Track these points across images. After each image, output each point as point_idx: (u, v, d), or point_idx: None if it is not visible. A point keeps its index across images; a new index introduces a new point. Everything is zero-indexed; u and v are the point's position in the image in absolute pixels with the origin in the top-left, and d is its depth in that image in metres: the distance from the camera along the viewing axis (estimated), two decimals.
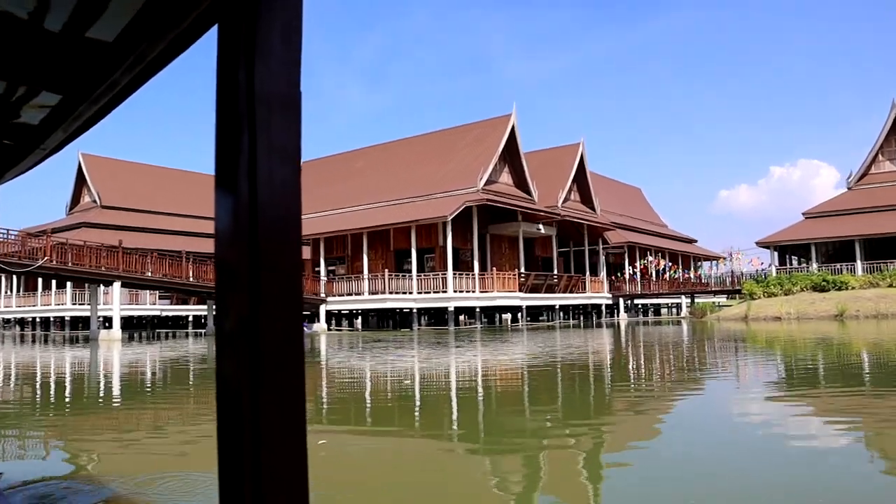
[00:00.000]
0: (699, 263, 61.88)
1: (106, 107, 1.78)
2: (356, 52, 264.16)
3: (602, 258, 47.51)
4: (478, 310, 34.01)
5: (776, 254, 43.96)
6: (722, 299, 52.20)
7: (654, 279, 48.95)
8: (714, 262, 57.03)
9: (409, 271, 35.30)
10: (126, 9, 1.32)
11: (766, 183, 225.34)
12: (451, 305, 32.76)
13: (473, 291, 33.88)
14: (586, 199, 46.71)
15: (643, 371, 11.69)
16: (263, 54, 0.87)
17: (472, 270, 35.08)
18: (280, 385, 0.86)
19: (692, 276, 50.78)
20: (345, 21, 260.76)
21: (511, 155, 38.91)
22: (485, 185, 35.93)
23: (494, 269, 35.51)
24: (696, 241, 68.69)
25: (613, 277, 48.24)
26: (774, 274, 41.77)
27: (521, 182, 39.78)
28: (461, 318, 36.02)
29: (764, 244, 44.22)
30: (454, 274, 33.44)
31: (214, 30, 0.99)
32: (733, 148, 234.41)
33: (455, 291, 33.11)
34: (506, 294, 34.61)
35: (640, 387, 9.55)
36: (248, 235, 0.85)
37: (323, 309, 34.84)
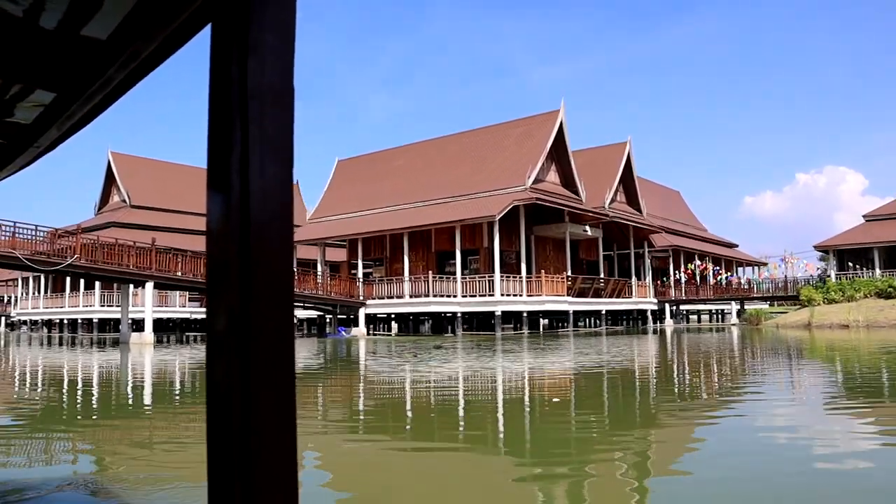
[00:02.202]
0: (739, 268, 59.57)
1: (100, 105, 1.74)
2: (379, 59, 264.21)
3: (647, 262, 45.48)
4: (525, 314, 32.15)
5: (835, 258, 41.59)
6: (764, 306, 49.90)
7: (702, 284, 46.78)
8: (763, 267, 54.87)
9: (451, 274, 33.60)
10: (120, 7, 1.30)
11: (792, 189, 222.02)
12: (499, 309, 30.95)
13: (520, 295, 32.03)
14: (632, 201, 44.70)
15: (738, 392, 9.83)
16: (256, 49, 0.87)
17: (518, 273, 33.26)
18: (271, 385, 0.85)
19: (742, 281, 48.42)
20: (367, 28, 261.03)
21: (558, 153, 37.00)
22: (531, 184, 34.09)
23: (543, 271, 33.62)
24: (736, 246, 66.39)
25: (658, 282, 46.16)
26: (834, 279, 39.48)
27: (568, 181, 37.88)
28: (480, 322, 34.19)
29: (823, 248, 41.97)
30: (501, 276, 31.62)
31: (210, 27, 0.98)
32: (759, 155, 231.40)
33: (502, 295, 31.29)
34: (554, 298, 32.72)
35: (748, 416, 7.71)
36: (239, 231, 0.85)
37: (362, 312, 33.20)
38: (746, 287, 46.55)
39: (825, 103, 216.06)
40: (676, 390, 9.62)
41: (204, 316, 38.37)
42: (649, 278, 44.99)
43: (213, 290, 0.89)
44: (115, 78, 1.54)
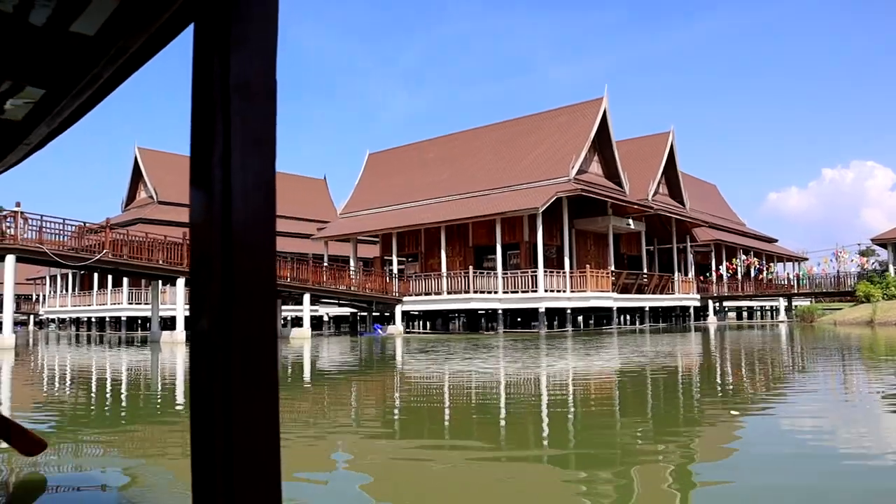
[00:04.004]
0: (779, 264, 57.44)
1: (89, 101, 1.74)
2: (400, 57, 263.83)
3: (690, 257, 43.70)
4: (569, 311, 30.61)
5: (893, 252, 39.51)
6: (807, 302, 47.80)
7: (748, 280, 44.89)
8: (804, 263, 52.83)
9: (490, 269, 32.21)
10: (107, 3, 1.30)
11: (818, 185, 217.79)
12: (542, 306, 29.45)
13: (564, 291, 30.51)
14: (675, 193, 42.96)
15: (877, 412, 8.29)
16: (238, 44, 0.87)
17: (560, 268, 31.75)
18: (253, 384, 0.85)
19: (791, 276, 46.38)
20: (389, 27, 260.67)
21: (601, 143, 35.36)
22: (575, 175, 32.51)
23: (588, 266, 32.06)
24: (776, 241, 64.29)
25: (701, 278, 44.35)
26: (893, 274, 37.47)
27: (611, 173, 36.25)
28: (516, 320, 32.82)
29: (880, 241, 39.95)
30: (545, 272, 30.12)
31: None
32: (784, 150, 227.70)
33: (546, 291, 29.79)
34: (598, 294, 31.15)
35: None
36: (221, 224, 0.84)
37: (399, 309, 31.90)
38: (794, 282, 44.48)
39: (851, 96, 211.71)
40: (793, 404, 8.15)
41: None
42: (692, 274, 43.23)
43: (196, 286, 0.87)
44: (103, 74, 1.52)
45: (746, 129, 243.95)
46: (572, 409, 7.40)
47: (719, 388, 9.39)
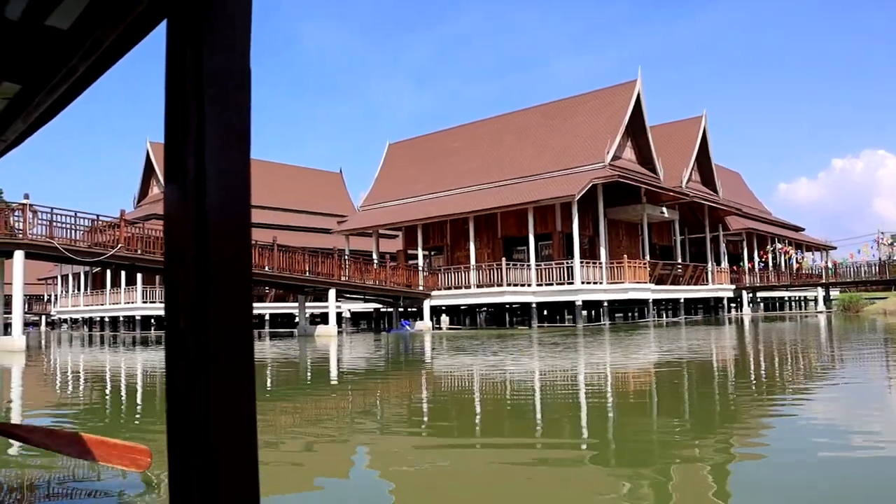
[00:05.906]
0: (804, 252, 55.63)
1: (65, 96, 1.71)
2: (404, 55, 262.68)
3: (723, 246, 42.01)
4: (605, 304, 29.08)
5: None
6: (836, 292, 46.00)
7: (783, 269, 43.17)
8: (831, 251, 51.10)
9: (519, 261, 30.69)
10: None
11: (827, 176, 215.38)
12: (579, 299, 27.92)
13: (601, 283, 28.96)
14: (707, 180, 41.31)
15: None
16: (212, 35, 0.87)
17: (594, 259, 30.20)
18: (232, 380, 0.84)
19: (830, 265, 44.60)
20: (393, 25, 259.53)
21: (635, 128, 33.69)
22: (609, 161, 30.90)
23: (626, 256, 30.48)
24: (803, 230, 62.49)
25: (734, 268, 42.66)
26: None
27: (645, 159, 34.60)
28: (543, 314, 31.15)
29: None
30: (581, 262, 28.57)
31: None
32: (793, 141, 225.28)
33: (582, 282, 28.23)
34: (636, 285, 29.57)
35: None
36: (195, 218, 0.84)
37: (427, 304, 30.42)
38: (831, 271, 42.72)
39: (860, 86, 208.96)
40: None
41: (256, 311, 35.62)
42: (725, 263, 41.55)
43: (170, 281, 0.87)
44: (79, 68, 1.50)
45: (755, 120, 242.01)
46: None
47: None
